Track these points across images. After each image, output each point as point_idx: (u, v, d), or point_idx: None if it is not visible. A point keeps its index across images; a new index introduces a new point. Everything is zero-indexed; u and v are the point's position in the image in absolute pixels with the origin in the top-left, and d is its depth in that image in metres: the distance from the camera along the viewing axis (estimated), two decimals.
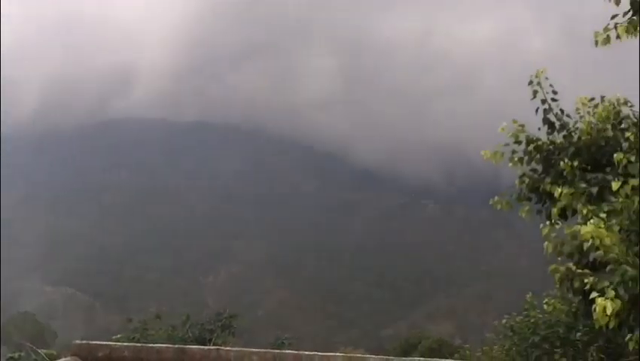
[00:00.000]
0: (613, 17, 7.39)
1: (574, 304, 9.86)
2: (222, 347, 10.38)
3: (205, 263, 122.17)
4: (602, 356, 10.79)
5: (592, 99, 9.25)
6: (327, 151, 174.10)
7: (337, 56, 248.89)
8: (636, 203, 6.93)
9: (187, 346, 10.02)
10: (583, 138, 8.96)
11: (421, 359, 9.67)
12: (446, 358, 22.26)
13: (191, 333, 17.65)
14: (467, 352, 20.05)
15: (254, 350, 8.98)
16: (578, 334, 10.98)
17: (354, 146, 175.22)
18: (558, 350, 10.99)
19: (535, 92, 9.16)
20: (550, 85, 9.15)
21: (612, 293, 6.42)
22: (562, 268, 7.38)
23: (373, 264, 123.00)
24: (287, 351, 9.24)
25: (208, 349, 9.57)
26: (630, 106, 9.12)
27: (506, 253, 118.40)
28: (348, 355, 8.89)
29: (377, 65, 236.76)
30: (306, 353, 8.85)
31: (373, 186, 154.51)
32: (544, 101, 9.18)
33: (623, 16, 7.36)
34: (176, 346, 9.67)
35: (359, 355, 10.42)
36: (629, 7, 7.34)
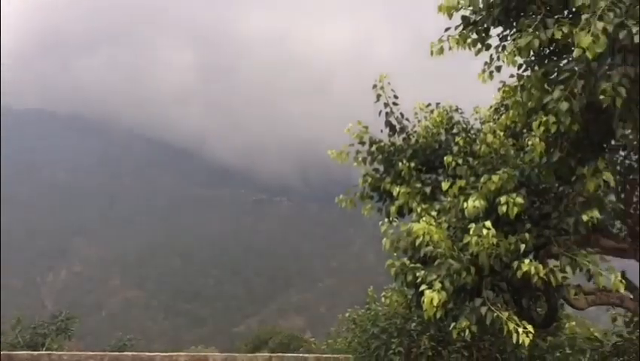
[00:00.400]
0: (446, 30, 7.94)
1: (408, 297, 10.46)
2: (55, 352, 9.70)
3: (44, 262, 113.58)
4: (433, 343, 11.60)
5: (429, 105, 9.89)
6: (182, 146, 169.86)
7: (194, 50, 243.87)
8: (461, 202, 7.50)
9: (15, 352, 9.24)
10: (419, 140, 9.55)
11: (265, 354, 9.74)
12: (295, 352, 22.68)
13: (21, 338, 16.23)
14: (313, 345, 20.56)
15: (89, 353, 8.51)
16: (413, 324, 11.68)
17: (210, 142, 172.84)
18: (395, 340, 11.61)
19: (379, 96, 9.58)
20: (392, 90, 9.61)
21: (439, 285, 6.92)
22: (398, 263, 7.81)
23: (227, 260, 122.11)
24: (126, 353, 8.85)
25: (39, 354, 8.90)
26: (461, 113, 9.89)
27: (356, 249, 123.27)
28: (191, 353, 8.74)
29: (235, 62, 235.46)
30: (147, 353, 8.57)
31: (228, 182, 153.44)
32: (386, 105, 9.62)
33: (455, 29, 7.93)
34: (1, 352, 8.87)
35: (203, 353, 10.26)
36: (461, 21, 7.93)
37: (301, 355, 10.90)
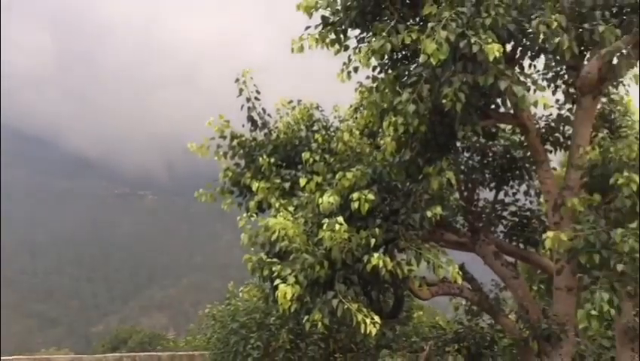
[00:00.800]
0: (306, 28, 8.08)
1: (266, 291, 10.54)
2: None
3: None
4: (292, 337, 11.79)
5: (291, 102, 10.03)
6: (36, 135, 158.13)
7: (51, 34, 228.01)
8: (317, 198, 7.68)
9: None
10: (280, 136, 9.66)
11: (115, 354, 9.36)
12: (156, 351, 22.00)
13: None
14: (171, 343, 20.13)
15: None
16: (272, 318, 11.78)
17: (68, 131, 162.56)
18: (254, 334, 11.65)
19: (241, 90, 9.56)
20: (254, 85, 9.63)
21: (292, 279, 7.05)
22: (255, 258, 7.85)
23: (84, 257, 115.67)
24: None
25: None
26: (321, 110, 10.13)
27: (222, 244, 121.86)
28: (34, 356, 8.11)
29: (96, 48, 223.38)
30: None
31: (88, 174, 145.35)
32: (248, 100, 9.62)
33: (315, 28, 8.10)
34: None
35: (46, 356, 9.65)
36: (320, 20, 8.11)
37: (155, 353, 10.61)
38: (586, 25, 7.02)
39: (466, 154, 10.15)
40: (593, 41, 7.07)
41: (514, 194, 10.44)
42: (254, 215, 8.82)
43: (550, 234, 7.12)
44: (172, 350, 16.12)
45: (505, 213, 10.43)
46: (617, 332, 8.98)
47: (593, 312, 6.39)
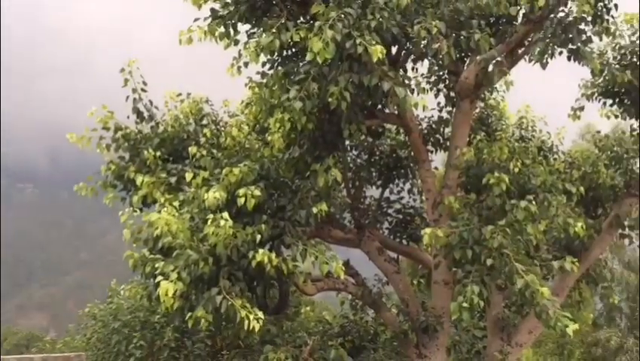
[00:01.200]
0: (195, 20, 7.90)
1: (150, 289, 10.23)
2: None
3: None
4: (177, 335, 11.54)
5: (180, 94, 9.77)
6: None
7: None
8: (203, 193, 7.54)
9: None
10: (168, 130, 9.38)
11: None
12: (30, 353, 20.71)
13: None
14: (47, 345, 19.13)
15: None
16: (157, 316, 11.47)
17: None
18: (137, 333, 11.29)
19: (127, 81, 9.18)
20: (141, 76, 9.27)
21: (175, 276, 6.88)
22: (137, 255, 7.58)
23: None
24: None
25: None
26: (210, 104, 9.95)
27: (110, 239, 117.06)
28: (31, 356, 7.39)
29: None
30: None
31: None
32: (134, 91, 9.27)
33: (204, 20, 7.94)
34: None
35: None
36: (210, 13, 7.96)
37: (27, 356, 9.98)
38: (463, 33, 7.40)
39: (354, 152, 10.40)
40: (470, 48, 7.47)
41: (399, 192, 10.84)
42: (138, 210, 8.54)
43: (427, 230, 7.46)
44: (47, 352, 15.24)
45: (390, 211, 10.80)
46: (488, 322, 9.60)
47: (465, 304, 6.76)
